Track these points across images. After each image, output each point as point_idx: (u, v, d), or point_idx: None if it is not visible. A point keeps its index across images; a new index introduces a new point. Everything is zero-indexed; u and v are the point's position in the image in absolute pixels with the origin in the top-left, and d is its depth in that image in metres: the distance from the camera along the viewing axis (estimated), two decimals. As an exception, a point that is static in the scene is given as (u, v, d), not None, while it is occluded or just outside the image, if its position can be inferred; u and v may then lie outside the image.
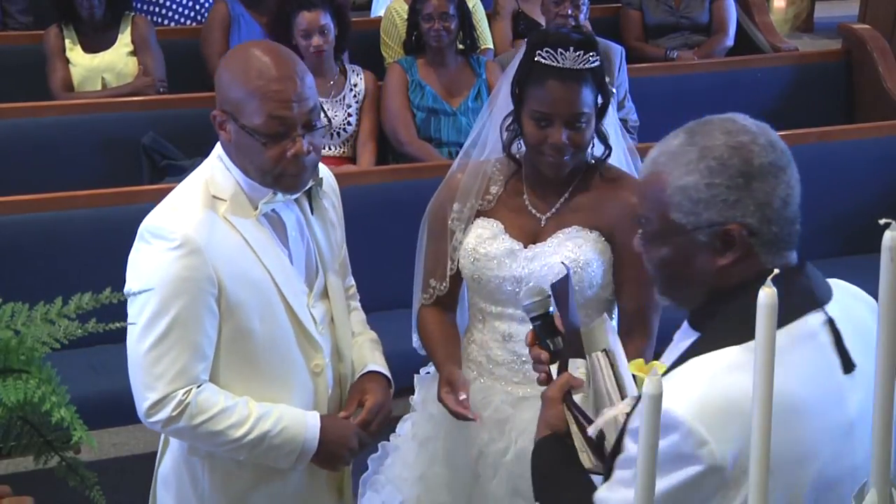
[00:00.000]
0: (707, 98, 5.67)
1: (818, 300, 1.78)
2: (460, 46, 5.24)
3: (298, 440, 2.42)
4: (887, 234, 1.33)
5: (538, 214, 2.67)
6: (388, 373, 2.63)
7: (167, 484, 2.53)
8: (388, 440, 2.96)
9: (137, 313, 2.32)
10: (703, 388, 1.67)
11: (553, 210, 2.66)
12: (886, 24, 8.11)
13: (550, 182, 2.65)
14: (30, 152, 4.78)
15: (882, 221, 1.35)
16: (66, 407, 1.14)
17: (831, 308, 1.79)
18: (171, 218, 2.33)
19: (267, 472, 2.48)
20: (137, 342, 2.32)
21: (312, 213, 2.50)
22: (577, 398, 2.06)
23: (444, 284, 2.76)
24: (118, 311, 1.40)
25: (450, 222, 2.73)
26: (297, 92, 2.29)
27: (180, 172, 4.61)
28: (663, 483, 1.64)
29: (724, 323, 1.75)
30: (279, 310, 2.40)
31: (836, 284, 1.89)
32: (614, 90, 2.71)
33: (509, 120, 2.66)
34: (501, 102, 2.73)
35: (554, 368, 2.18)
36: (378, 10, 6.47)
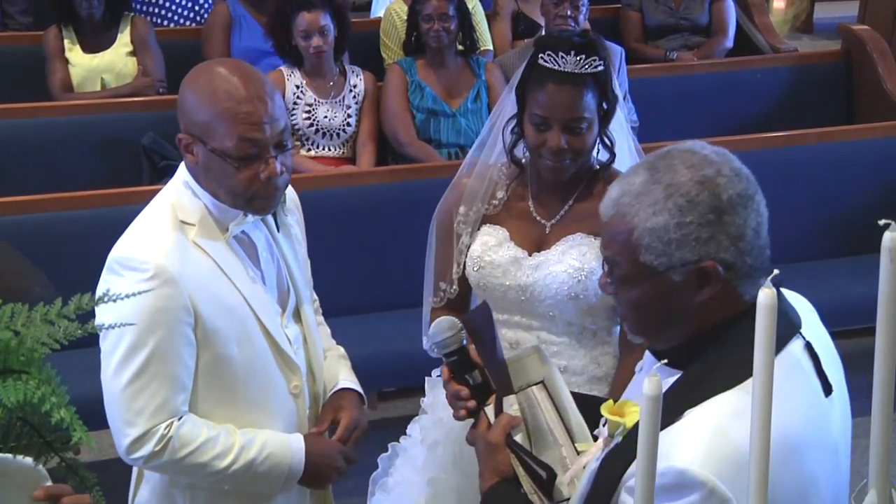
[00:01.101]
0: (707, 99, 5.68)
1: (796, 325, 1.74)
2: (460, 47, 5.24)
3: (284, 465, 2.38)
4: (887, 235, 1.33)
5: (542, 221, 2.66)
6: (359, 388, 2.60)
7: None
8: (399, 440, 2.96)
9: (112, 348, 2.25)
10: (713, 442, 1.61)
11: (557, 217, 2.65)
12: (886, 24, 8.11)
13: (554, 188, 2.65)
14: (29, 153, 4.78)
15: (882, 222, 1.35)
16: (66, 407, 1.14)
17: (805, 331, 1.76)
18: (141, 247, 2.25)
19: (252, 497, 2.43)
20: (114, 377, 2.26)
21: (279, 231, 2.45)
22: (516, 438, 2.03)
23: (454, 287, 2.74)
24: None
25: (455, 225, 2.72)
26: (269, 113, 2.22)
27: (180, 173, 4.62)
28: None
29: (712, 365, 1.70)
30: (256, 333, 2.35)
31: (796, 300, 1.85)
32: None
33: (513, 123, 2.65)
34: (508, 105, 2.72)
35: (490, 410, 2.13)
36: (378, 11, 6.47)
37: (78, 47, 5.34)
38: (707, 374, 1.69)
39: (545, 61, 2.51)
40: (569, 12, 5.14)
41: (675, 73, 5.83)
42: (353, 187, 4.38)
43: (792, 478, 1.61)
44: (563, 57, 2.50)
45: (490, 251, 2.66)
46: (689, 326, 1.75)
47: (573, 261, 2.58)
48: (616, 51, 5.24)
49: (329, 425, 2.49)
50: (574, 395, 2.22)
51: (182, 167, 2.36)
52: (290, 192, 2.53)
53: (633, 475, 1.64)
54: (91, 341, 1.57)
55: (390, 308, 3.78)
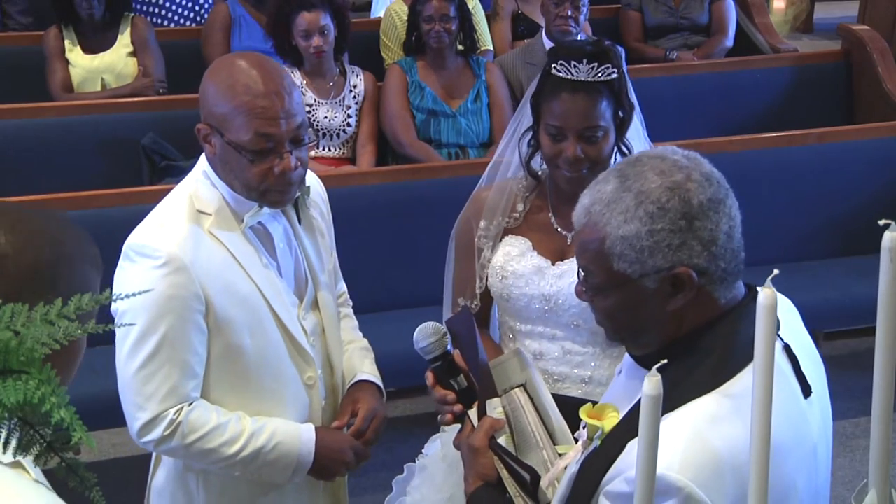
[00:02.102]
0: (707, 99, 5.68)
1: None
2: (460, 48, 5.24)
3: (293, 455, 2.40)
4: (887, 235, 1.33)
5: (564, 232, 2.64)
6: (379, 381, 2.61)
7: (161, 498, 2.51)
8: (414, 460, 2.93)
9: (124, 333, 2.30)
10: (690, 446, 1.61)
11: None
12: (886, 25, 8.11)
13: (574, 199, 2.62)
14: (30, 153, 4.79)
15: (882, 222, 1.35)
16: (66, 408, 1.14)
17: (783, 332, 1.75)
18: (156, 235, 2.29)
19: (264, 485, 2.46)
20: (126, 362, 2.31)
21: (300, 224, 2.47)
22: (500, 441, 2.03)
23: (476, 303, 2.72)
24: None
25: (476, 240, 2.70)
26: (285, 108, 2.25)
27: (180, 173, 4.61)
28: None
29: (689, 369, 1.70)
30: (269, 324, 2.37)
31: (780, 304, 1.84)
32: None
33: (529, 135, 2.63)
34: (524, 118, 2.69)
35: (473, 413, 2.14)
36: (378, 11, 6.48)
37: (78, 48, 5.34)
38: (683, 379, 1.68)
39: (558, 71, 2.49)
40: (569, 13, 5.14)
41: (675, 73, 5.83)
42: (353, 187, 4.38)
43: (772, 481, 1.60)
44: (575, 66, 2.47)
45: (513, 261, 2.64)
46: (665, 332, 1.75)
47: None
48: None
49: (349, 418, 2.52)
50: (555, 396, 2.22)
51: (202, 157, 2.39)
52: (316, 184, 2.57)
53: (612, 479, 1.66)
54: (92, 341, 1.57)
55: (390, 308, 3.78)
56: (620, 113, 2.54)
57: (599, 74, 2.48)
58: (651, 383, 1.28)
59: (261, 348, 2.37)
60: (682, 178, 1.70)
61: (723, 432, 1.61)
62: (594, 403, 1.81)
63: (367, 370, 2.62)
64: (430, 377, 2.29)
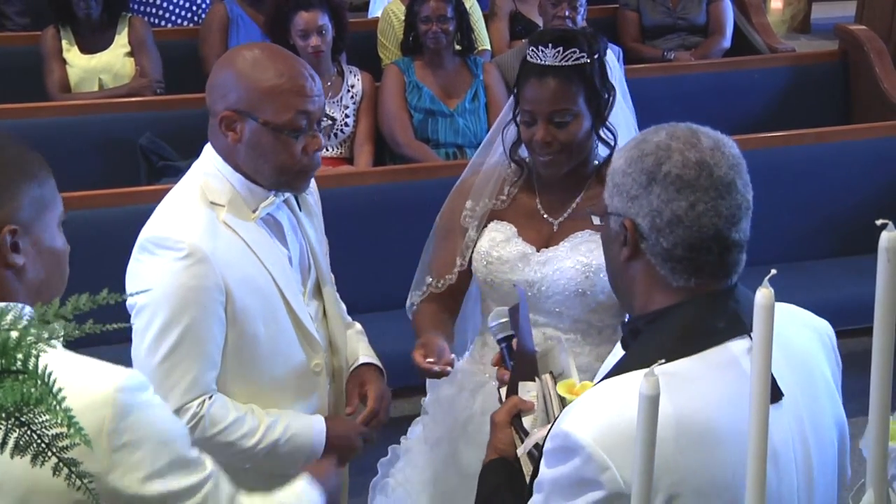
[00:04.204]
0: (704, 99, 5.68)
1: (745, 327, 1.69)
2: (457, 47, 5.24)
3: (307, 446, 2.43)
4: (884, 235, 1.33)
5: (550, 219, 2.67)
6: (379, 363, 2.64)
7: None
8: (399, 443, 2.96)
9: (145, 325, 2.29)
10: (608, 412, 1.62)
11: (565, 214, 2.66)
12: (883, 25, 8.11)
13: (561, 186, 2.65)
14: (27, 153, 4.78)
15: (879, 222, 1.35)
16: (63, 408, 1.14)
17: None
18: (175, 227, 2.29)
19: (271, 473, 2.45)
20: (147, 355, 2.29)
21: (301, 210, 2.50)
22: (526, 421, 2.05)
23: (451, 277, 2.75)
24: (115, 312, 1.41)
25: (462, 220, 2.73)
26: (317, 88, 2.33)
27: (177, 173, 4.61)
28: None
29: (644, 345, 1.72)
30: (281, 312, 2.39)
31: (781, 311, 1.80)
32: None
33: (512, 125, 2.66)
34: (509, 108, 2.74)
35: (503, 391, 2.18)
36: (375, 11, 6.48)
37: (75, 48, 5.33)
38: (634, 355, 1.72)
39: (530, 57, 2.55)
40: (566, 12, 5.14)
41: (673, 73, 5.83)
42: (350, 187, 4.38)
43: (701, 465, 1.59)
44: (542, 50, 2.52)
45: (498, 247, 2.67)
46: (632, 300, 1.79)
47: (581, 257, 2.58)
48: (614, 50, 5.24)
49: (358, 402, 2.55)
50: None
51: (208, 151, 2.40)
52: None
53: (549, 439, 1.69)
54: (87, 342, 1.57)
55: (388, 308, 3.77)
56: (595, 97, 2.55)
57: (566, 58, 2.51)
58: (648, 384, 1.28)
59: (273, 337, 2.39)
60: (677, 147, 1.72)
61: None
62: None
63: (367, 353, 2.65)
64: (495, 357, 2.34)
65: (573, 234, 2.62)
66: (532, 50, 2.54)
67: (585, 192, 2.64)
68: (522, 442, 2.02)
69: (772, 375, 1.67)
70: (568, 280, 2.58)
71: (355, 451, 2.53)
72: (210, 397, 2.32)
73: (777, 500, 1.69)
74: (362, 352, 2.65)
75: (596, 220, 1.86)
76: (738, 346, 1.69)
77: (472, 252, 2.72)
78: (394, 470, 2.91)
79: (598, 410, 1.63)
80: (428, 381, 2.89)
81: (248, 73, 2.29)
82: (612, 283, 1.87)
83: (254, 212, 2.36)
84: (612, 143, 2.61)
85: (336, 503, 2.65)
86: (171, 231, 2.29)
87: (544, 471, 1.68)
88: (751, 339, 1.68)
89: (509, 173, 2.73)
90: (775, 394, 1.69)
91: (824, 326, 1.89)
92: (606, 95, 2.59)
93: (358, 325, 2.73)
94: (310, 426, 2.44)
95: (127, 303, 2.30)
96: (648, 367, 1.60)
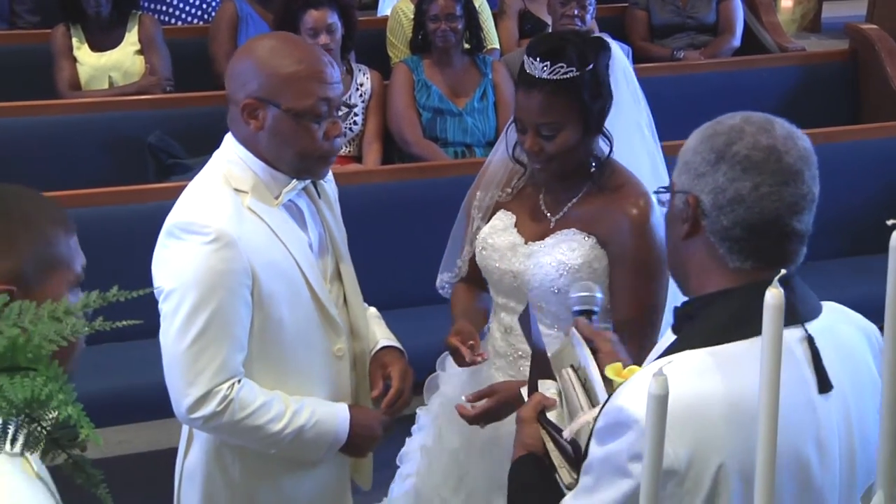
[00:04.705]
0: (713, 98, 5.66)
1: (799, 316, 1.73)
2: (466, 46, 5.24)
3: (331, 433, 2.46)
4: (895, 235, 1.33)
5: (549, 215, 2.69)
6: (399, 345, 2.68)
7: (192, 477, 2.54)
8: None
9: (173, 310, 2.31)
10: None
11: (562, 212, 2.68)
12: (894, 24, 8.09)
13: (562, 185, 2.67)
14: (37, 151, 4.79)
15: (889, 222, 1.35)
16: (74, 405, 1.14)
17: (815, 326, 1.75)
18: (201, 212, 2.32)
19: (296, 460, 2.51)
20: (176, 339, 2.31)
21: (319, 197, 2.54)
22: (551, 416, 2.06)
23: (463, 268, 2.84)
24: (125, 309, 1.41)
25: (472, 209, 2.80)
26: (335, 76, 2.38)
27: (186, 171, 4.62)
28: (623, 484, 1.64)
29: (697, 327, 1.74)
30: (305, 296, 2.43)
31: (832, 308, 1.84)
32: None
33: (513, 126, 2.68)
34: None
35: (524, 391, 2.19)
36: (384, 10, 6.48)
37: (86, 46, 5.34)
38: (690, 336, 1.73)
39: (524, 65, 2.57)
40: (576, 11, 5.14)
41: (682, 73, 5.82)
42: (358, 186, 4.38)
43: (746, 442, 1.60)
44: (531, 62, 2.54)
45: (494, 234, 2.72)
46: (687, 280, 1.81)
47: (560, 255, 2.61)
48: (623, 49, 5.23)
49: (382, 384, 2.57)
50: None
51: (228, 140, 2.44)
52: None
53: (601, 417, 1.71)
54: (97, 339, 1.57)
55: (396, 306, 3.77)
56: (584, 109, 2.55)
57: (553, 73, 2.51)
58: (657, 383, 1.28)
59: (297, 321, 2.41)
60: (750, 131, 1.75)
61: (697, 384, 1.64)
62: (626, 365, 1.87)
63: (386, 336, 2.68)
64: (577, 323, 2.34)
65: (560, 232, 2.65)
66: (526, 58, 2.56)
67: (582, 195, 2.66)
68: (549, 435, 2.03)
69: (823, 366, 1.69)
70: (544, 276, 2.61)
71: (377, 440, 2.56)
72: (239, 381, 2.35)
73: (819, 488, 1.71)
74: (381, 335, 2.68)
75: (662, 199, 1.88)
76: (790, 334, 1.70)
77: (477, 238, 2.78)
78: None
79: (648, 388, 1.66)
80: (439, 361, 2.96)
81: (268, 61, 2.33)
82: (669, 262, 1.88)
83: (276, 198, 2.40)
84: (609, 149, 2.64)
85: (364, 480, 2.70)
86: (198, 216, 2.32)
87: (594, 450, 1.71)
88: (804, 328, 1.72)
89: (518, 167, 2.76)
90: (825, 385, 1.72)
91: (871, 327, 1.90)
92: (601, 105, 2.59)
93: (374, 310, 2.75)
94: (334, 413, 2.47)
95: (154, 288, 2.34)
96: (705, 346, 1.66)
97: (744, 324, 1.68)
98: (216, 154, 2.46)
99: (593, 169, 2.64)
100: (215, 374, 2.31)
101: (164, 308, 2.34)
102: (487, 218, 2.78)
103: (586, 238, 2.61)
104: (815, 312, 1.77)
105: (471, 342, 2.61)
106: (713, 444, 1.61)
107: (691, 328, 1.75)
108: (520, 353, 2.69)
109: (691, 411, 1.61)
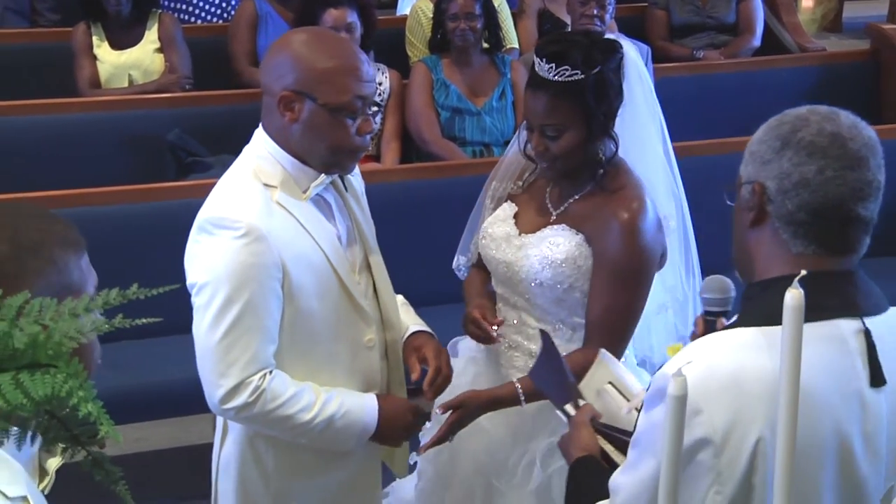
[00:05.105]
0: (733, 98, 5.65)
1: (858, 309, 1.74)
2: (485, 45, 5.24)
3: (359, 423, 2.48)
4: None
5: (552, 209, 2.72)
6: (429, 329, 2.71)
7: (228, 469, 2.57)
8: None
9: (206, 303, 2.36)
10: (707, 360, 1.68)
11: (563, 207, 2.71)
12: (915, 24, 8.05)
13: (569, 182, 2.70)
14: (57, 149, 4.81)
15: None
16: (94, 402, 1.15)
17: (877, 321, 1.75)
18: (232, 207, 2.37)
19: (328, 451, 2.54)
20: (209, 331, 2.36)
21: (346, 191, 2.58)
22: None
23: (475, 254, 2.88)
24: (144, 307, 1.42)
25: (486, 199, 2.85)
26: (370, 73, 2.42)
27: (205, 169, 4.64)
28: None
29: (754, 309, 1.76)
30: (334, 288, 2.46)
31: None
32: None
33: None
34: None
35: (569, 408, 2.22)
36: (403, 9, 6.48)
37: (106, 44, 5.36)
38: (744, 316, 1.76)
39: (534, 65, 2.59)
40: (595, 11, 5.13)
41: (701, 72, 5.81)
42: (377, 185, 4.36)
43: (801, 424, 1.60)
44: (538, 63, 2.57)
45: (494, 224, 2.77)
46: (752, 269, 1.81)
47: (546, 249, 2.64)
48: (642, 49, 5.23)
49: (419, 367, 2.61)
50: None
51: (259, 135, 2.47)
52: None
53: (650, 391, 1.75)
54: (115, 337, 1.58)
55: (414, 305, 3.77)
56: (589, 112, 2.56)
57: (558, 75, 2.53)
58: (676, 384, 1.28)
59: (327, 313, 2.45)
60: (815, 119, 1.78)
61: (742, 357, 1.67)
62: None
63: (416, 322, 2.72)
64: (698, 327, 2.31)
65: (551, 227, 2.68)
66: (535, 59, 2.59)
67: (584, 193, 2.68)
68: (607, 437, 2.07)
69: (877, 360, 1.69)
70: (529, 268, 2.65)
71: (409, 428, 2.58)
72: (270, 372, 2.39)
73: (862, 480, 1.72)
74: (410, 321, 2.71)
75: (729, 199, 1.89)
76: (848, 325, 1.72)
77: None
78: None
79: (697, 357, 1.69)
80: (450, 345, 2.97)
81: (305, 55, 2.38)
82: (735, 254, 1.89)
83: (304, 192, 2.44)
84: (615, 150, 2.65)
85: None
86: (229, 211, 2.36)
87: (641, 420, 1.75)
88: (862, 321, 1.73)
89: (529, 162, 2.78)
90: (878, 379, 1.72)
91: None
92: (606, 108, 2.60)
93: (401, 297, 2.78)
94: (362, 402, 2.50)
95: (187, 282, 2.39)
96: (756, 325, 1.68)
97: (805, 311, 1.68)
98: (246, 149, 2.50)
99: (601, 170, 2.65)
100: (247, 365, 2.36)
101: (197, 301, 2.39)
102: (497, 208, 2.83)
103: (575, 235, 2.63)
104: (877, 309, 1.77)
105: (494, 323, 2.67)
106: (752, 419, 1.63)
107: (748, 310, 1.77)
108: (510, 343, 2.74)
109: (732, 383, 1.64)
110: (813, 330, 1.68)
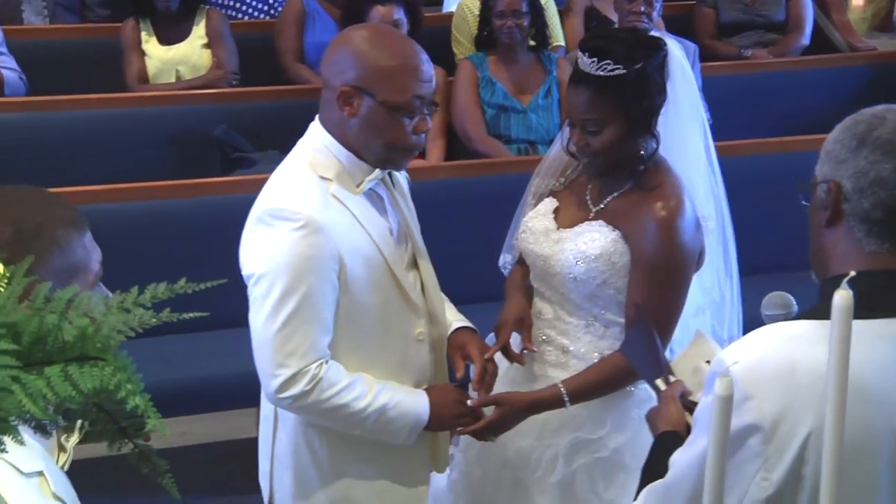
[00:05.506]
0: (781, 97, 5.61)
1: None
2: (531, 43, 5.22)
3: (412, 415, 2.51)
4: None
5: (591, 206, 2.72)
6: (471, 325, 2.73)
7: (283, 461, 2.61)
8: None
9: (264, 293, 2.39)
10: (762, 347, 1.69)
11: (602, 204, 2.70)
12: (968, 24, 7.95)
13: (610, 179, 2.70)
14: (104, 143, 4.85)
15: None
16: (141, 395, 1.16)
17: None
18: (290, 199, 2.39)
19: (381, 443, 2.56)
20: (267, 322, 2.39)
21: (394, 187, 2.61)
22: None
23: (515, 247, 2.88)
24: (191, 301, 1.43)
25: (528, 195, 2.87)
26: (430, 73, 2.46)
27: (251, 165, 4.66)
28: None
29: (822, 305, 1.75)
30: (387, 281, 2.49)
31: None
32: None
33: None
34: None
35: (660, 382, 2.23)
36: (450, 6, 6.48)
37: (154, 39, 5.41)
38: (810, 310, 1.77)
39: (577, 60, 2.59)
40: (642, 8, 5.10)
41: (749, 71, 5.76)
42: (421, 182, 4.35)
43: (853, 421, 1.58)
44: (581, 58, 2.56)
45: (535, 218, 2.77)
46: (827, 270, 1.80)
47: (582, 244, 2.63)
48: (689, 48, 5.19)
49: (464, 365, 2.64)
50: None
51: (315, 128, 2.50)
52: None
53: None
54: (160, 330, 1.59)
55: (458, 303, 3.77)
56: (631, 108, 2.55)
57: (601, 69, 2.52)
58: (721, 384, 1.27)
59: (380, 306, 2.48)
60: (890, 117, 1.78)
61: (794, 347, 1.67)
62: None
63: (457, 318, 2.74)
64: None
65: (589, 223, 2.67)
66: (578, 54, 2.59)
67: (624, 190, 2.67)
68: (692, 415, 2.07)
69: None
70: (564, 262, 2.65)
71: (462, 415, 2.58)
72: (326, 361, 2.42)
73: None
74: (452, 317, 2.73)
75: (804, 199, 1.89)
76: None
77: None
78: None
79: (753, 345, 1.71)
80: None
81: (366, 52, 2.40)
82: (812, 254, 1.88)
83: (358, 186, 2.47)
84: (655, 148, 2.63)
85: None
86: (288, 203, 2.39)
87: (700, 400, 1.78)
88: None
89: (572, 158, 2.78)
90: None
91: None
92: (648, 105, 2.59)
93: (442, 295, 2.79)
94: (413, 393, 2.53)
95: (243, 272, 2.43)
96: (816, 318, 1.68)
97: (867, 306, 1.66)
98: (301, 142, 2.52)
99: (642, 167, 2.64)
100: (304, 354, 2.39)
101: (255, 292, 2.42)
102: (538, 203, 2.83)
103: (611, 231, 2.63)
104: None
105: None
106: (804, 411, 1.62)
107: (818, 305, 1.77)
108: (543, 337, 2.74)
109: (785, 372, 1.64)
110: (877, 326, 1.68)
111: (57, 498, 1.52)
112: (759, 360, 1.67)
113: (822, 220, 1.79)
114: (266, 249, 2.39)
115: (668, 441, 2.02)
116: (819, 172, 1.82)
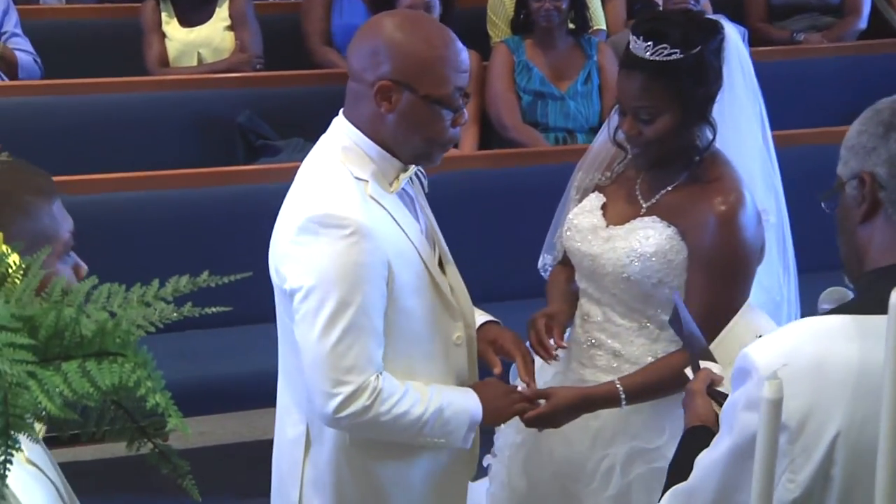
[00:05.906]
0: (835, 84, 5.57)
1: None
2: (571, 26, 5.21)
3: (466, 412, 2.48)
4: None
5: (642, 201, 2.70)
6: (495, 318, 2.72)
7: (318, 485, 2.53)
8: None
9: (316, 308, 2.32)
10: (789, 343, 1.70)
11: (654, 199, 2.68)
12: None
13: (662, 172, 2.67)
14: (123, 128, 4.87)
15: None
16: (162, 392, 1.16)
17: None
18: (335, 204, 2.33)
19: (415, 448, 2.53)
20: (321, 338, 2.32)
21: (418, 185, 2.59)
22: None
23: (560, 249, 2.87)
24: (214, 295, 1.43)
25: (571, 190, 2.85)
26: (468, 62, 2.45)
27: (275, 153, 4.68)
28: (725, 441, 1.71)
29: (856, 299, 1.77)
30: (427, 285, 2.46)
31: None
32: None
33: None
34: None
35: (689, 371, 2.24)
36: (485, -13, 6.47)
37: (175, 21, 5.41)
38: (844, 308, 1.76)
39: (629, 44, 2.57)
40: (688, -10, 5.08)
41: (802, 57, 5.72)
42: (454, 171, 4.38)
43: (870, 411, 1.58)
44: (635, 41, 2.54)
45: (580, 215, 2.75)
46: (863, 265, 1.80)
47: (635, 241, 2.62)
48: (739, 32, 5.16)
49: (499, 360, 2.62)
50: None
51: (341, 124, 2.45)
52: None
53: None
54: (181, 326, 1.60)
55: (493, 300, 3.77)
56: (686, 94, 2.54)
57: (656, 54, 2.51)
58: (771, 387, 1.27)
59: (422, 310, 2.46)
60: None
61: (824, 343, 1.67)
62: None
63: (481, 313, 2.72)
64: None
65: (642, 219, 2.65)
66: (630, 37, 2.56)
67: (678, 184, 2.65)
68: (720, 405, 2.07)
69: None
70: (616, 261, 2.63)
71: (514, 402, 2.57)
72: (381, 373, 2.38)
73: None
74: (477, 314, 2.71)
75: (827, 207, 1.89)
76: None
77: None
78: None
79: (781, 340, 1.72)
80: None
81: (402, 43, 2.36)
82: (844, 257, 1.87)
83: (390, 184, 2.43)
84: (712, 138, 2.61)
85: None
86: (333, 208, 2.32)
87: (728, 399, 1.78)
88: None
89: (619, 150, 2.77)
90: None
91: None
92: (705, 91, 2.58)
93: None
94: (461, 391, 2.51)
95: (287, 287, 2.36)
96: (851, 313, 1.69)
97: None
98: (326, 140, 2.46)
99: (697, 158, 2.62)
100: (363, 369, 2.34)
101: (304, 307, 2.34)
102: (583, 199, 2.81)
103: (666, 227, 2.61)
104: None
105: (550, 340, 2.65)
106: (833, 409, 1.63)
107: (856, 299, 1.78)
108: (592, 341, 2.72)
109: (813, 368, 1.65)
110: None
111: (31, 463, 1.54)
112: (785, 355, 1.67)
113: (857, 217, 1.79)
114: (315, 260, 2.32)
115: (696, 436, 2.02)
116: (843, 172, 1.81)
